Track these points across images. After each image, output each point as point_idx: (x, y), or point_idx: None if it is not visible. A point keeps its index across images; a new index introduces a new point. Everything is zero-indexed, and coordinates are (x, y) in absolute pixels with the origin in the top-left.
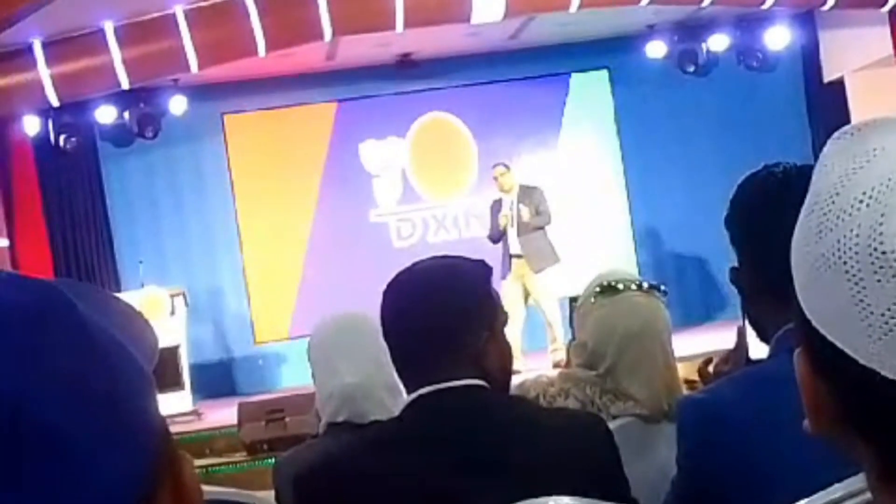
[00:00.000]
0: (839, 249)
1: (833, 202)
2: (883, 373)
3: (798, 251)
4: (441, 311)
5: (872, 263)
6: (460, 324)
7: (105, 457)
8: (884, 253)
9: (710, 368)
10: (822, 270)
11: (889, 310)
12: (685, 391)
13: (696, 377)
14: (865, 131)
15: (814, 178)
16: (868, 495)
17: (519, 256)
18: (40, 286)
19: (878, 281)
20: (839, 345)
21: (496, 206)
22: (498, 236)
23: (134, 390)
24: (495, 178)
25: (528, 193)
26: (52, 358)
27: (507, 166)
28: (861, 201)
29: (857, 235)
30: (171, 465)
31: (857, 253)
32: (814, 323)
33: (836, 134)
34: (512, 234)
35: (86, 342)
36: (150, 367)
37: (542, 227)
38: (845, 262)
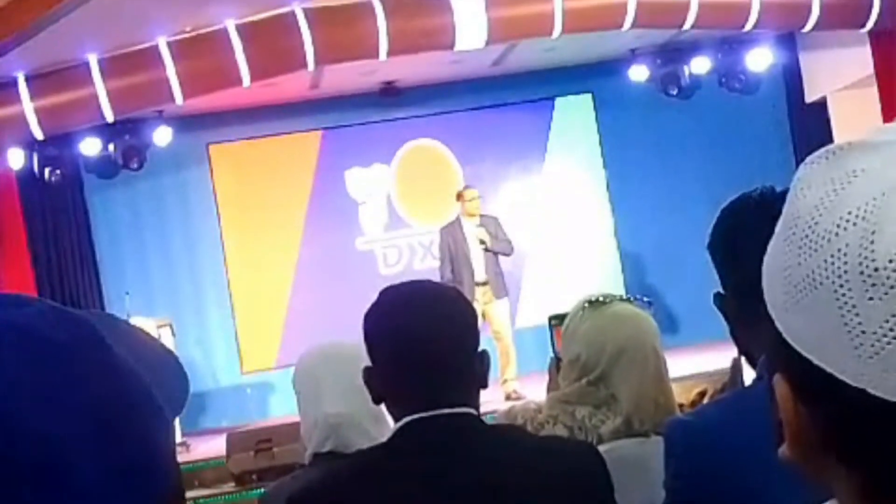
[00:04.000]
0: (826, 270)
1: (816, 223)
2: (874, 393)
3: (775, 274)
4: (449, 334)
5: (864, 282)
6: (462, 348)
7: (115, 497)
8: (875, 270)
9: (706, 401)
10: (806, 292)
11: (881, 327)
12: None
13: (683, 400)
14: (841, 154)
15: (788, 202)
16: None
17: (484, 283)
18: (76, 324)
19: (871, 299)
20: (825, 367)
21: (454, 230)
22: (452, 263)
23: (152, 439)
24: (471, 200)
25: (486, 221)
26: (77, 397)
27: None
28: (847, 220)
29: (846, 255)
30: None
31: (846, 272)
32: (796, 346)
33: (809, 158)
34: (479, 260)
35: (113, 383)
36: (178, 412)
37: (505, 255)
38: (833, 283)
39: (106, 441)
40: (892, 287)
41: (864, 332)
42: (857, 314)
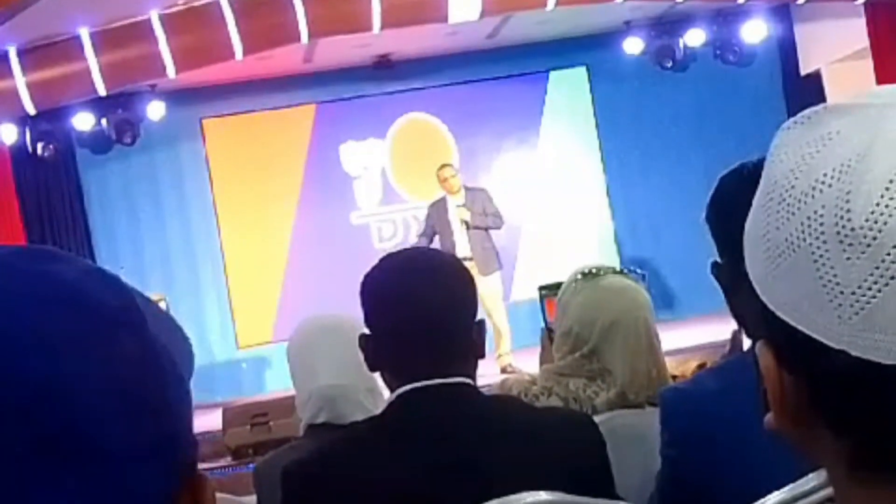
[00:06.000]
0: (803, 232)
1: (793, 187)
2: (855, 353)
3: (754, 241)
4: (447, 302)
5: (840, 242)
6: (461, 316)
7: (140, 471)
8: (852, 230)
9: None
10: (785, 256)
11: (860, 287)
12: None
13: (679, 373)
14: (816, 118)
15: (766, 167)
16: None
17: (468, 259)
18: (119, 288)
19: (848, 259)
20: (806, 331)
21: (440, 207)
22: (431, 238)
23: (177, 408)
24: (445, 179)
25: (474, 195)
26: (116, 364)
27: (455, 168)
28: (823, 182)
29: (822, 216)
30: (194, 485)
31: (823, 233)
32: (777, 312)
33: (785, 124)
34: (461, 237)
35: (148, 352)
36: (189, 383)
37: (494, 228)
38: (811, 244)
39: (139, 411)
40: (868, 246)
41: (842, 292)
42: (835, 275)
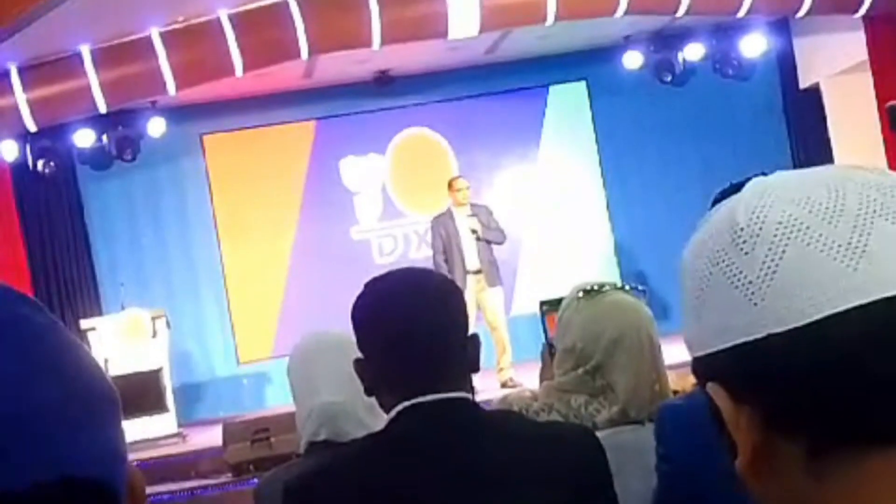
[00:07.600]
0: (710, 260)
1: (697, 255)
2: (779, 329)
3: (688, 314)
4: (437, 320)
5: (735, 243)
6: (453, 333)
7: (79, 444)
8: (742, 230)
9: None
10: (705, 292)
11: (761, 270)
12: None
13: (679, 387)
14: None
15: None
16: None
17: (477, 272)
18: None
19: (746, 254)
20: (740, 340)
21: (446, 220)
22: (444, 252)
23: (103, 374)
24: (459, 190)
25: (477, 210)
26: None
27: (467, 182)
28: (714, 231)
29: (719, 241)
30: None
31: (723, 249)
32: (713, 346)
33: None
34: (471, 249)
35: (72, 348)
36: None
37: (497, 243)
38: (718, 262)
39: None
40: (757, 235)
41: (751, 282)
42: (741, 272)
